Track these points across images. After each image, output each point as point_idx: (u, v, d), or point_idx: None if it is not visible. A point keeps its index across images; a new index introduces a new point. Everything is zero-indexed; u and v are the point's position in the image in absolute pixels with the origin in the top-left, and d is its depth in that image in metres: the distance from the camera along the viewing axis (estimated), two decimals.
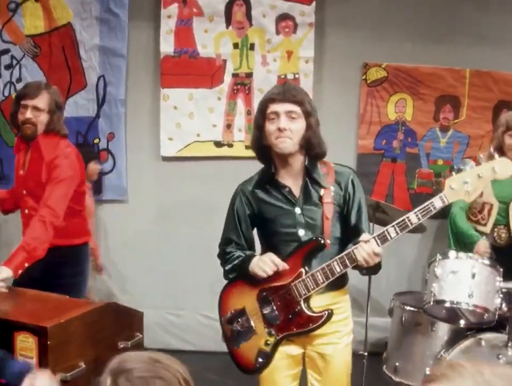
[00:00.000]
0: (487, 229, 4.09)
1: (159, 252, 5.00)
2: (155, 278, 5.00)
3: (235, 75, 4.82)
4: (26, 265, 3.08)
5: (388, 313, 4.11)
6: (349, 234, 2.72)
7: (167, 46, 4.73)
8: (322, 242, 2.61)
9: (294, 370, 2.78)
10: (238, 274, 2.76)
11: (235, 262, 2.76)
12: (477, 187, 2.51)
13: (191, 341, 5.04)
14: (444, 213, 4.62)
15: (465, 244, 4.02)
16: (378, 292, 4.49)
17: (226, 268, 2.80)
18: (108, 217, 4.95)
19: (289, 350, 2.73)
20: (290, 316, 2.64)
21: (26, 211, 3.54)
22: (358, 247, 2.50)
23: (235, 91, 4.83)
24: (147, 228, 5.00)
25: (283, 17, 4.76)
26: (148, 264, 5.00)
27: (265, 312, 2.68)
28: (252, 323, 2.71)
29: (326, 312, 2.62)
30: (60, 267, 3.50)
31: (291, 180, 2.69)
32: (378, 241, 2.50)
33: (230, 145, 4.88)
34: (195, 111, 4.83)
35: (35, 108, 3.40)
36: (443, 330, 3.78)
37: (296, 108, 2.60)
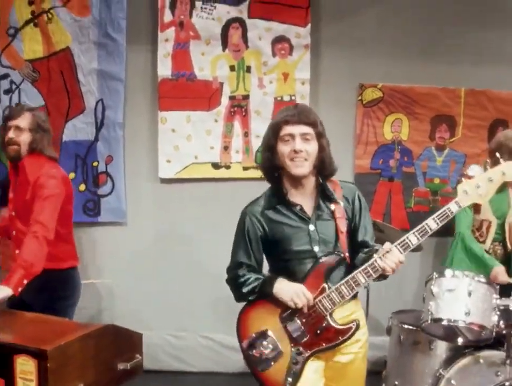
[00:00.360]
0: (486, 246, 4.12)
1: (159, 274, 5.00)
2: (154, 299, 5.00)
3: (232, 98, 4.85)
4: (25, 281, 3.12)
5: (386, 331, 4.13)
6: (355, 248, 2.77)
7: (165, 69, 4.77)
8: (343, 255, 2.66)
9: (319, 383, 2.75)
10: (258, 297, 2.75)
11: (254, 284, 2.74)
12: (488, 190, 2.65)
13: (191, 363, 5.04)
14: (444, 231, 4.66)
15: (478, 266, 4.03)
16: (376, 310, 4.50)
17: (244, 291, 2.76)
18: (107, 239, 4.96)
19: (314, 365, 2.72)
20: (318, 331, 2.66)
21: (14, 233, 3.58)
22: (382, 257, 2.54)
23: (232, 113, 4.87)
24: (146, 250, 5.01)
25: (279, 40, 4.80)
26: (147, 285, 5.00)
27: (291, 330, 2.68)
28: (278, 344, 2.70)
29: (355, 324, 2.67)
30: (48, 291, 3.49)
31: (301, 199, 2.73)
32: (400, 249, 2.57)
33: (228, 167, 4.91)
34: (193, 134, 4.86)
35: (17, 128, 3.49)
36: (441, 348, 3.79)
37: (310, 130, 2.65)
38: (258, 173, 4.79)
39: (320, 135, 2.69)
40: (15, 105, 3.72)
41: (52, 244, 3.35)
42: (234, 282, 2.82)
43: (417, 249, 4.10)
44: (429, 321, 3.47)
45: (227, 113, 4.86)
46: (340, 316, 2.69)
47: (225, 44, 4.80)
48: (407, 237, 2.58)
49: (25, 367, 2.25)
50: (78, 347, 2.35)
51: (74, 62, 4.76)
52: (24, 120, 3.50)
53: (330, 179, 2.79)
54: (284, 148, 2.64)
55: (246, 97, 4.86)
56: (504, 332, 3.51)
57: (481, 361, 3.64)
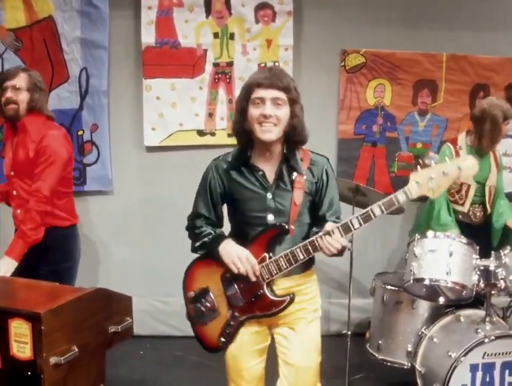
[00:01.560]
0: (465, 208, 4.21)
1: (145, 241, 5.06)
2: (141, 266, 5.06)
3: (216, 65, 4.87)
4: (26, 250, 3.34)
5: (370, 293, 4.22)
6: (316, 222, 2.75)
7: (148, 37, 4.76)
8: (286, 227, 2.62)
9: (259, 345, 2.81)
10: (205, 253, 2.78)
11: (205, 239, 2.77)
12: (441, 185, 2.50)
13: (179, 327, 5.11)
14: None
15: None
16: (359, 274, 4.58)
17: (196, 244, 2.81)
18: (93, 207, 4.99)
19: (251, 328, 2.76)
20: (253, 299, 2.68)
21: (14, 192, 3.62)
22: (322, 236, 2.51)
23: (216, 80, 4.88)
24: (133, 217, 5.05)
25: (262, 6, 4.81)
26: (134, 252, 5.06)
27: (228, 293, 2.72)
28: (216, 303, 2.75)
29: (288, 297, 2.65)
30: (52, 252, 3.58)
31: (267, 165, 2.69)
32: (342, 231, 2.51)
33: (213, 134, 4.94)
34: (177, 101, 4.88)
35: (14, 88, 3.51)
36: (423, 308, 3.90)
37: (282, 95, 2.56)
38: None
39: (293, 101, 2.60)
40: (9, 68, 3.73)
41: (53, 203, 3.52)
42: (191, 232, 2.87)
43: (399, 211, 4.21)
44: (411, 282, 3.56)
45: (211, 80, 4.87)
46: (283, 286, 2.69)
47: (208, 11, 4.80)
48: (350, 221, 2.51)
49: (19, 330, 2.29)
50: (70, 310, 2.39)
51: (57, 31, 4.74)
52: (21, 80, 3.51)
53: (301, 148, 2.75)
54: (253, 112, 2.57)
55: (230, 64, 4.87)
56: (483, 291, 3.62)
57: (462, 319, 3.76)
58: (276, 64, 4.83)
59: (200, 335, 2.84)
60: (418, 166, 2.52)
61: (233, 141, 4.87)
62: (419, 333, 3.85)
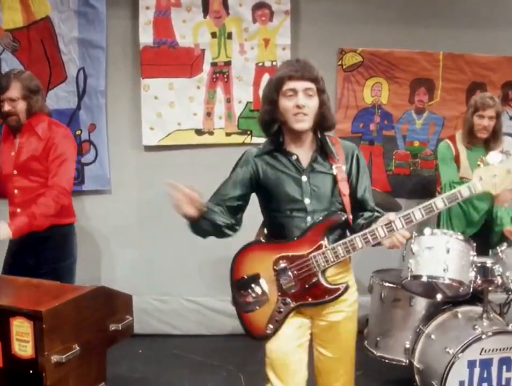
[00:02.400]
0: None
1: (143, 240, 5.07)
2: (140, 265, 5.08)
3: (213, 64, 4.88)
4: (24, 231, 3.35)
5: (368, 290, 4.24)
6: (355, 206, 2.77)
7: (146, 37, 4.77)
8: (345, 218, 2.66)
9: (302, 339, 2.79)
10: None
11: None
12: (504, 181, 2.52)
13: (177, 325, 5.14)
14: (423, 192, 4.77)
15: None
16: (357, 271, 4.56)
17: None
18: (91, 207, 5.00)
19: (297, 320, 2.75)
20: (307, 286, 2.66)
21: (16, 191, 3.65)
22: (384, 226, 2.54)
23: (214, 79, 4.90)
24: (131, 217, 5.07)
25: (259, 6, 4.83)
26: (132, 251, 5.08)
27: (282, 280, 2.68)
28: (267, 290, 2.71)
29: (344, 285, 2.67)
30: (52, 251, 3.64)
31: (300, 151, 2.73)
32: (403, 223, 2.54)
33: (211, 133, 4.96)
34: (176, 100, 4.89)
35: (10, 100, 3.54)
36: (420, 305, 3.92)
37: (312, 85, 2.62)
38: (241, 138, 4.90)
39: (321, 91, 2.67)
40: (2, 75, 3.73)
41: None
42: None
43: (397, 208, 4.24)
44: (409, 279, 3.58)
45: (209, 79, 4.89)
46: (327, 275, 2.69)
47: (206, 11, 4.81)
48: (412, 212, 2.54)
49: (21, 329, 2.31)
50: (71, 308, 2.42)
51: (55, 31, 4.75)
52: (15, 91, 3.54)
53: (332, 138, 2.79)
54: (287, 103, 2.62)
55: (228, 63, 4.89)
56: (481, 287, 3.64)
57: (459, 315, 3.78)
58: (274, 63, 4.85)
59: (246, 322, 2.79)
60: (481, 164, 2.57)
61: (231, 140, 4.95)
62: (417, 329, 3.87)
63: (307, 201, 2.69)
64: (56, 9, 4.74)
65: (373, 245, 2.62)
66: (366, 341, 4.19)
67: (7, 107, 3.54)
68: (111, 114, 4.92)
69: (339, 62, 4.98)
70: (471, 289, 3.56)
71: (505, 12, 4.98)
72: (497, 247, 3.71)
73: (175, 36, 4.81)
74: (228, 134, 4.94)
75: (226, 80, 4.90)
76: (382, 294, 4.02)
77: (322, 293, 2.67)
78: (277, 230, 2.75)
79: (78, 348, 2.42)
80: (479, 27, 4.93)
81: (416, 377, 3.77)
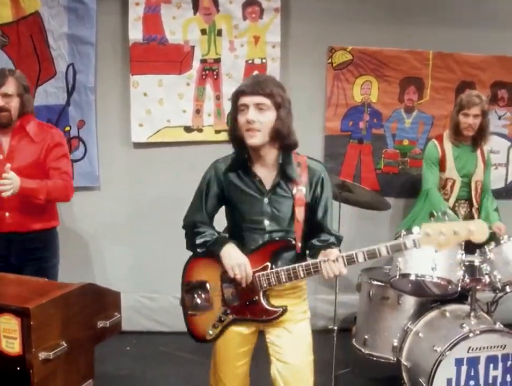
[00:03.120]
0: (450, 203, 4.27)
1: (132, 237, 5.07)
2: (128, 262, 5.08)
3: (203, 61, 4.87)
4: (28, 192, 3.40)
5: (356, 288, 4.25)
6: (313, 227, 2.80)
7: (136, 33, 4.76)
8: (294, 244, 2.70)
9: (245, 347, 2.86)
10: (207, 252, 2.81)
11: (207, 238, 2.81)
12: (449, 242, 2.51)
13: (165, 323, 5.14)
14: (412, 191, 4.78)
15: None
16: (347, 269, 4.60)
17: (197, 241, 2.83)
18: (80, 203, 4.97)
19: (241, 329, 2.82)
20: (247, 303, 2.74)
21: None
22: (325, 263, 2.56)
23: (203, 76, 4.89)
24: (120, 213, 5.05)
25: (249, 3, 4.82)
26: (121, 248, 5.07)
27: (225, 291, 2.77)
28: (211, 298, 2.80)
29: (281, 309, 2.71)
30: (39, 251, 3.64)
31: (264, 171, 2.73)
32: (346, 261, 2.56)
33: (200, 130, 4.95)
34: (165, 97, 4.88)
35: (5, 95, 3.48)
36: (409, 303, 3.94)
37: (265, 100, 2.60)
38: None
39: (278, 106, 2.63)
40: None
41: (43, 204, 3.58)
42: (191, 230, 2.88)
43: (385, 207, 4.26)
44: (397, 277, 3.60)
45: (198, 76, 4.88)
46: (275, 289, 2.74)
47: (196, 7, 4.80)
48: (355, 254, 2.57)
49: (8, 325, 2.29)
50: (59, 305, 2.41)
51: (44, 26, 4.72)
52: (11, 86, 3.49)
53: (298, 157, 2.77)
54: (240, 118, 2.64)
55: (217, 60, 4.88)
56: (468, 286, 3.66)
57: (447, 314, 3.80)
58: (264, 60, 4.86)
59: (191, 325, 2.89)
60: (432, 219, 2.56)
61: (220, 137, 4.95)
62: (405, 328, 3.88)
63: (266, 222, 2.73)
64: (46, 5, 4.71)
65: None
66: (354, 339, 4.21)
67: (1, 102, 3.48)
68: (100, 110, 4.91)
69: (329, 61, 4.98)
70: (459, 288, 3.59)
71: (495, 11, 5.00)
72: (485, 247, 3.74)
73: (164, 33, 4.80)
74: (217, 132, 4.93)
75: (215, 77, 4.89)
76: (371, 292, 4.04)
77: (260, 312, 2.74)
78: (236, 240, 2.78)
79: (65, 345, 2.41)
80: (469, 26, 4.96)
81: (404, 375, 3.79)
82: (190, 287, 2.87)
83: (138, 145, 4.96)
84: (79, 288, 2.57)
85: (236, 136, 2.71)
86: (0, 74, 3.53)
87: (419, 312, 3.91)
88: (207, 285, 2.82)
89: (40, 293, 2.46)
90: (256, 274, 2.69)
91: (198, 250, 2.85)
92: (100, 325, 2.67)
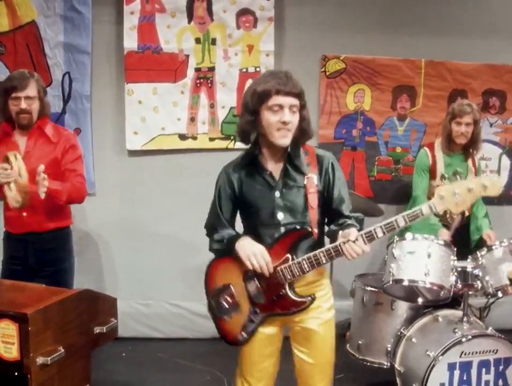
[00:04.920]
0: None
1: (127, 244, 5.07)
2: (123, 270, 5.10)
3: (197, 70, 4.91)
4: (55, 194, 3.49)
5: (350, 294, 4.28)
6: (330, 214, 2.81)
7: (131, 42, 4.79)
8: (310, 230, 2.70)
9: (270, 348, 2.86)
10: (224, 249, 2.81)
11: (225, 235, 2.82)
12: (465, 200, 2.51)
13: (161, 329, 5.16)
14: (405, 198, 4.82)
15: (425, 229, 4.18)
16: (340, 275, 4.62)
17: (215, 238, 2.85)
18: (76, 210, 4.98)
19: (265, 330, 2.82)
20: (274, 298, 2.73)
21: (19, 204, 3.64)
22: (346, 244, 2.55)
23: (198, 85, 4.92)
24: (115, 220, 5.06)
25: (243, 12, 4.86)
26: (116, 255, 5.09)
27: (250, 290, 2.76)
28: (237, 300, 2.79)
29: (309, 298, 2.72)
30: (56, 252, 3.75)
31: (273, 164, 2.75)
32: (365, 239, 2.56)
33: (194, 138, 4.98)
34: (159, 105, 4.91)
35: (28, 98, 3.58)
36: (402, 308, 3.95)
37: (297, 102, 2.63)
38: (224, 144, 4.94)
39: (303, 106, 2.69)
40: (15, 74, 3.75)
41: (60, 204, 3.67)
42: (211, 234, 2.90)
43: (379, 213, 4.29)
44: (391, 283, 3.62)
45: (193, 85, 4.91)
46: (300, 283, 2.74)
47: (190, 16, 4.84)
48: (374, 229, 2.56)
49: (6, 331, 2.32)
50: (57, 311, 2.44)
51: (40, 35, 4.75)
52: (33, 90, 3.59)
53: (307, 148, 2.80)
54: (271, 118, 2.61)
55: (212, 69, 4.92)
56: (461, 291, 3.70)
57: (440, 319, 3.83)
58: (258, 69, 4.89)
59: (222, 330, 2.88)
60: (443, 181, 2.56)
61: (214, 145, 4.97)
62: (399, 333, 3.90)
63: (280, 216, 2.74)
64: (42, 14, 4.74)
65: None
66: (348, 345, 4.23)
67: (23, 105, 3.56)
68: (95, 118, 4.93)
69: (323, 69, 5.03)
70: (451, 293, 3.61)
71: (485, 20, 5.04)
72: (477, 252, 3.78)
73: (159, 42, 4.83)
74: (211, 139, 4.97)
75: (210, 85, 4.93)
76: (364, 298, 4.06)
77: (289, 305, 2.74)
78: (253, 238, 2.77)
79: (63, 350, 2.44)
80: (461, 35, 5.00)
81: (398, 380, 3.80)
82: (215, 293, 2.86)
83: (133, 153, 4.98)
84: (76, 294, 2.60)
85: (253, 130, 2.72)
86: (22, 77, 3.62)
87: (413, 317, 3.93)
88: (232, 287, 2.82)
89: (38, 299, 2.49)
90: (279, 268, 2.69)
91: (216, 246, 2.86)
92: (97, 331, 2.70)
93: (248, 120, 2.69)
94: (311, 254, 2.65)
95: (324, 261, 2.64)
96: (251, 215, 2.81)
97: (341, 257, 2.61)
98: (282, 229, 2.75)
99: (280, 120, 2.60)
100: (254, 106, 2.65)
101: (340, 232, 2.64)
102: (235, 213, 2.91)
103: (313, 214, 2.73)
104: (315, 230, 2.72)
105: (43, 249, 3.67)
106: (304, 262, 2.66)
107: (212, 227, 2.91)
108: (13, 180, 3.43)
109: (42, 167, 3.33)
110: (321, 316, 2.83)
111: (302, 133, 2.72)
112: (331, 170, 2.79)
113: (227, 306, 2.83)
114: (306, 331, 2.83)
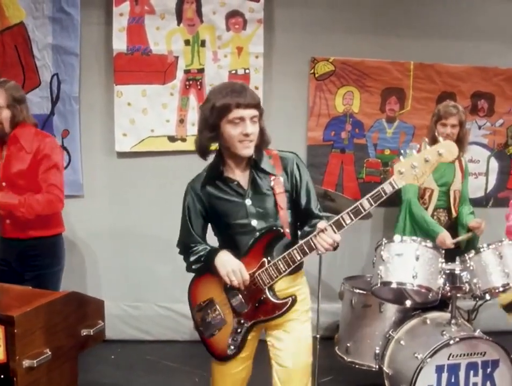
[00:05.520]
0: (428, 212, 4.30)
1: (116, 246, 5.07)
2: (112, 272, 5.09)
3: (187, 71, 4.91)
4: (7, 209, 3.49)
5: (338, 296, 4.29)
6: (301, 216, 2.82)
7: (120, 43, 4.78)
8: (282, 231, 2.70)
9: (246, 352, 2.85)
10: (203, 267, 2.81)
11: (201, 253, 2.81)
12: (425, 171, 2.53)
13: (150, 331, 5.15)
14: (392, 200, 4.82)
15: (423, 231, 4.19)
16: (328, 278, 4.65)
17: (191, 259, 2.84)
18: (64, 212, 4.94)
19: (257, 334, 2.85)
20: (257, 305, 2.73)
21: None
22: (316, 236, 2.56)
23: (187, 87, 4.92)
24: (103, 222, 5.06)
25: (233, 14, 4.87)
26: (105, 257, 5.08)
27: (233, 302, 2.77)
28: (222, 313, 2.80)
29: (290, 299, 2.72)
30: (38, 258, 3.69)
31: (239, 173, 2.76)
32: (335, 228, 2.56)
33: (183, 140, 4.98)
34: (149, 107, 4.90)
35: None
36: (390, 311, 3.97)
37: (256, 112, 2.64)
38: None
39: (261, 115, 2.71)
40: None
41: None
42: (185, 252, 2.90)
43: (367, 216, 4.29)
44: (379, 285, 3.63)
45: (182, 86, 4.91)
46: (279, 288, 2.75)
47: (179, 18, 4.84)
48: (341, 217, 2.57)
49: None
50: (43, 313, 2.42)
51: (29, 37, 4.75)
52: (0, 99, 3.53)
53: (269, 151, 2.81)
54: (233, 131, 2.62)
55: (201, 70, 4.92)
56: (449, 294, 3.71)
57: (428, 321, 3.84)
58: (247, 71, 4.89)
59: (210, 346, 2.88)
60: (401, 157, 2.56)
61: None
62: (387, 335, 3.91)
63: (254, 222, 2.75)
64: (31, 15, 4.74)
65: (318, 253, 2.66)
66: (336, 347, 4.24)
67: None
68: (84, 120, 4.93)
69: (312, 71, 5.03)
70: (439, 296, 3.62)
71: (474, 23, 5.06)
72: (465, 255, 3.78)
73: (148, 43, 4.83)
74: None
75: (199, 87, 4.93)
76: (353, 301, 4.07)
77: (272, 309, 2.74)
78: (229, 248, 2.78)
79: (49, 352, 2.43)
80: (449, 37, 5.03)
81: (386, 382, 3.81)
82: (199, 309, 2.87)
83: (122, 154, 4.97)
84: (63, 296, 2.59)
85: (208, 148, 2.75)
86: None
87: (401, 319, 3.94)
88: (215, 301, 2.82)
89: (24, 301, 2.48)
90: (256, 274, 2.70)
91: (194, 267, 2.86)
92: (84, 333, 2.69)
93: (208, 136, 2.71)
94: (285, 253, 2.66)
95: (298, 257, 2.64)
96: (224, 226, 2.81)
97: (314, 250, 2.61)
98: (257, 235, 2.75)
99: (243, 133, 2.62)
100: (214, 121, 2.66)
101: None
102: (206, 227, 2.92)
103: (284, 215, 2.75)
104: (287, 230, 2.74)
105: (25, 255, 3.65)
106: (279, 262, 2.67)
107: (185, 245, 2.90)
108: None
109: None
110: (298, 318, 2.83)
111: (262, 140, 2.74)
112: (296, 170, 2.80)
113: (212, 321, 2.83)
114: (282, 334, 2.83)
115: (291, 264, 2.66)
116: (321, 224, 2.59)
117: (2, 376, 2.30)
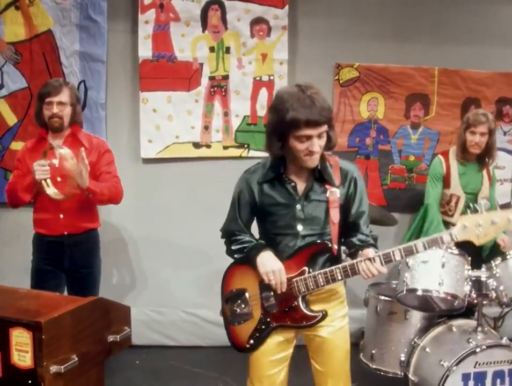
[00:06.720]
0: (454, 219, 4.28)
1: (141, 251, 5.10)
2: (138, 277, 5.12)
3: (211, 78, 4.93)
4: (93, 191, 3.65)
5: (364, 303, 4.27)
6: (348, 229, 2.81)
7: (145, 50, 4.82)
8: (330, 246, 2.71)
9: (281, 354, 2.86)
10: (244, 258, 2.82)
11: (245, 245, 2.83)
12: (488, 233, 2.48)
13: (174, 337, 5.16)
14: (418, 207, 4.80)
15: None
16: (353, 284, 4.61)
17: (233, 248, 2.86)
18: None
19: (279, 335, 2.83)
20: (286, 309, 2.75)
21: (62, 196, 3.73)
22: (363, 262, 2.58)
23: (212, 93, 4.94)
24: (128, 228, 5.10)
25: (257, 21, 4.88)
26: (130, 263, 5.11)
27: (264, 299, 2.77)
28: (250, 307, 2.81)
29: (321, 314, 2.73)
30: (89, 254, 3.96)
31: (299, 177, 2.75)
32: (383, 261, 2.58)
33: (208, 146, 5.00)
34: (174, 114, 4.93)
35: (60, 103, 3.75)
36: (416, 318, 3.95)
37: (326, 128, 2.59)
38: (238, 152, 4.94)
39: (331, 127, 2.64)
40: (51, 81, 3.98)
41: (92, 205, 3.91)
42: (228, 238, 2.92)
43: (392, 223, 4.29)
44: (405, 292, 3.62)
45: (207, 93, 4.93)
46: (316, 292, 2.74)
47: (204, 25, 4.86)
48: (392, 252, 2.58)
49: (20, 339, 2.33)
50: (70, 319, 2.44)
51: (56, 44, 4.79)
52: (65, 96, 3.78)
53: (330, 159, 2.76)
54: (299, 146, 2.58)
55: (226, 77, 4.94)
56: (475, 301, 3.68)
57: (454, 329, 3.81)
58: (271, 77, 4.90)
59: (231, 334, 2.91)
60: (469, 210, 2.57)
61: (228, 153, 4.99)
62: (412, 342, 3.90)
63: (299, 227, 2.75)
64: (58, 23, 4.79)
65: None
66: (361, 354, 4.22)
67: (55, 109, 3.74)
68: (110, 126, 4.96)
69: (336, 77, 5.03)
70: (466, 303, 3.60)
71: (498, 28, 5.04)
72: (491, 261, 3.76)
73: (173, 50, 4.86)
74: (225, 148, 4.98)
75: (224, 93, 4.95)
76: (378, 307, 4.06)
77: (300, 318, 2.75)
78: (270, 246, 2.78)
79: (76, 358, 2.44)
80: (474, 43, 4.99)
81: None
82: (229, 297, 2.88)
83: (147, 161, 5.00)
84: (90, 302, 2.61)
85: (275, 153, 2.71)
86: (56, 84, 3.80)
87: (426, 327, 3.92)
88: (247, 294, 2.84)
89: (51, 307, 2.50)
90: (294, 280, 2.71)
91: (236, 256, 2.88)
92: (110, 339, 2.70)
93: (276, 145, 2.67)
94: (327, 269, 2.66)
95: (339, 278, 2.65)
96: (269, 223, 2.81)
97: (357, 275, 2.62)
98: (300, 239, 2.75)
99: (309, 149, 2.59)
100: (282, 132, 2.62)
101: (360, 251, 2.68)
102: (253, 218, 2.92)
103: (334, 230, 2.73)
104: (335, 247, 2.73)
105: (77, 251, 3.83)
106: (320, 276, 2.67)
107: (229, 231, 2.92)
108: (49, 177, 3.63)
109: (82, 150, 3.51)
110: (333, 324, 2.83)
111: (327, 147, 2.69)
112: (354, 184, 2.78)
113: (239, 311, 2.84)
114: (318, 339, 2.84)
115: (330, 281, 2.66)
116: (371, 252, 2.61)
117: (30, 382, 2.33)
